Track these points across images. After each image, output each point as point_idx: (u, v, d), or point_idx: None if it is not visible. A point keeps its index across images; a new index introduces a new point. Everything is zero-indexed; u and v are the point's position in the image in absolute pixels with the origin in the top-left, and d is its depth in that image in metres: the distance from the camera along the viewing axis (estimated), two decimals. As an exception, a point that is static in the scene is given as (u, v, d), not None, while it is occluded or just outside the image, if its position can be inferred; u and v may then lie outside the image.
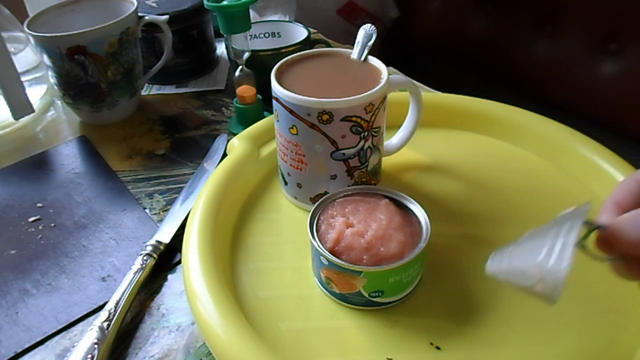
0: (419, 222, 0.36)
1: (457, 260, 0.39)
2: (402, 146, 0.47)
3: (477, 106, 0.53)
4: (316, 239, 0.35)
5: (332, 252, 0.34)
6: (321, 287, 0.37)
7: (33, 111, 0.58)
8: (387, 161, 0.47)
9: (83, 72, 0.56)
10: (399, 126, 0.47)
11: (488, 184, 0.47)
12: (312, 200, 0.43)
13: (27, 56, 0.63)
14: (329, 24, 1.12)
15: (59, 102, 0.66)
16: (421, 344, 0.34)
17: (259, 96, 0.57)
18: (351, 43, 0.44)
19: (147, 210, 0.48)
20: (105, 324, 0.35)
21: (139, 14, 0.60)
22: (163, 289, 0.40)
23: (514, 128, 0.51)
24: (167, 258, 0.42)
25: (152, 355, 0.35)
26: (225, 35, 0.53)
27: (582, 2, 0.89)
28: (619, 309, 0.35)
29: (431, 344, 0.34)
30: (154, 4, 0.65)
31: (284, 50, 0.58)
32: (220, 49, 0.75)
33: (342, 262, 0.33)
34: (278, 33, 0.65)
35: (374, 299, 0.35)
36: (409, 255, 0.34)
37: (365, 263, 0.34)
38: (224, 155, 0.50)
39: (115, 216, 0.48)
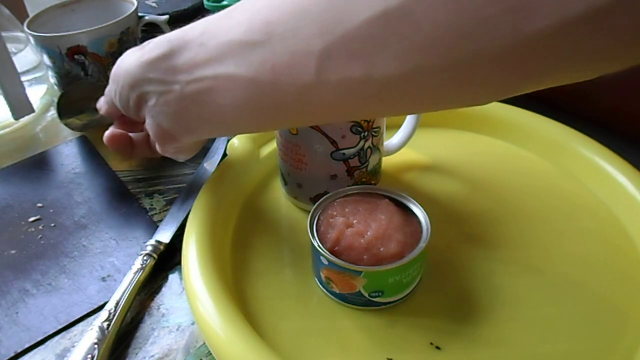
0: (419, 222, 0.36)
1: (457, 260, 0.39)
2: (402, 146, 0.47)
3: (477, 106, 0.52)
4: (316, 239, 0.35)
5: (332, 252, 0.34)
6: (321, 287, 0.37)
7: (33, 111, 0.58)
8: (387, 161, 0.47)
9: (83, 72, 0.56)
10: (399, 126, 0.47)
11: (488, 184, 0.47)
12: (312, 200, 0.43)
13: (27, 56, 0.63)
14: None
15: (59, 102, 0.66)
16: (421, 344, 0.34)
17: (259, 96, 0.56)
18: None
19: (147, 210, 0.48)
20: (105, 324, 0.35)
21: (139, 14, 0.60)
22: (163, 289, 0.40)
23: (514, 128, 0.51)
24: (167, 258, 0.42)
25: (152, 355, 0.35)
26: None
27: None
28: (619, 309, 0.35)
29: (431, 344, 0.34)
30: (154, 4, 0.66)
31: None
32: (220, 49, 0.74)
33: (342, 262, 0.33)
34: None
35: (374, 299, 0.35)
36: (409, 255, 0.34)
37: (365, 263, 0.34)
38: (224, 155, 0.50)
39: (115, 216, 0.48)
